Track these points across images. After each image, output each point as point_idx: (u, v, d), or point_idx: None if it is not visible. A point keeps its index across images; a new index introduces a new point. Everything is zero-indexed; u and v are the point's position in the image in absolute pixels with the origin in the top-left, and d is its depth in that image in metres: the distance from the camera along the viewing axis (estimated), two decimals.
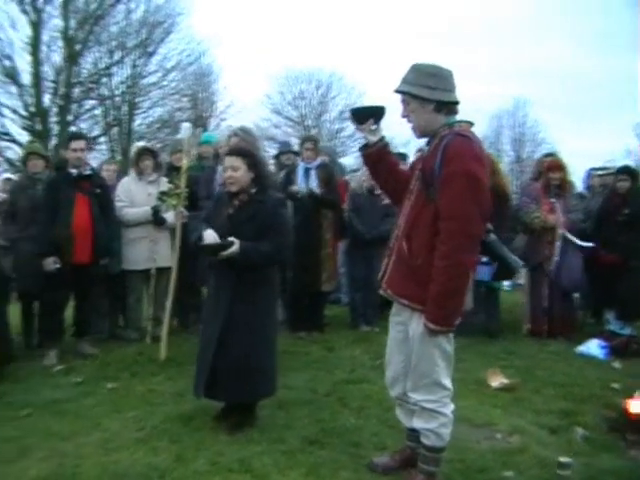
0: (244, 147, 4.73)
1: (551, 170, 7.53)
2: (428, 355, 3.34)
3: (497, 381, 5.51)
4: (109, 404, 5.07)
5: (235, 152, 4.50)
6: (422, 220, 3.31)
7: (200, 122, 30.40)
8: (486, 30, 54.04)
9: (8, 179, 7.35)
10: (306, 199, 7.25)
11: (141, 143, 8.42)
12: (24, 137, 19.49)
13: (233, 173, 4.36)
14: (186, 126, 7.00)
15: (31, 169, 6.97)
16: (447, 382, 3.41)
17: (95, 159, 20.20)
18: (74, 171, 6.43)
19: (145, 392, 5.40)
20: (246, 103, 53.18)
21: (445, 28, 54.04)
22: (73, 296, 6.81)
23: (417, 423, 3.49)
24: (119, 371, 6.03)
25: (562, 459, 3.72)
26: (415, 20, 54.88)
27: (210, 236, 4.30)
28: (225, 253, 4.20)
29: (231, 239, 4.22)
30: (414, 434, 3.61)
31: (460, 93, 3.39)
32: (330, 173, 7.50)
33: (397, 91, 3.44)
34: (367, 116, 3.66)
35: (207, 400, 4.75)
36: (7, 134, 19.70)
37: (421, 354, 3.36)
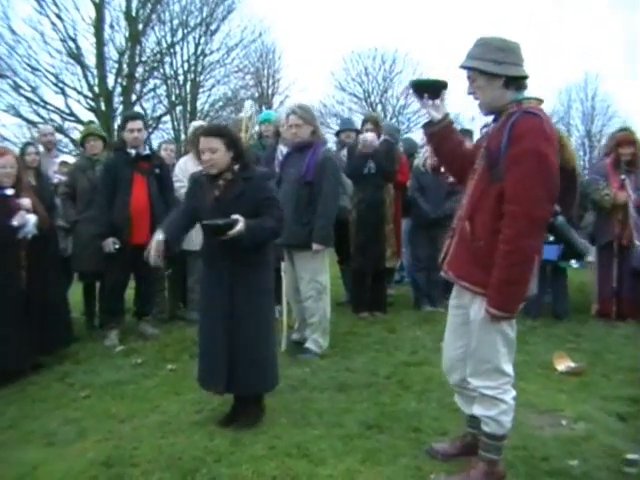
0: (220, 126, 4.47)
1: (621, 145, 7.20)
2: (490, 340, 3.20)
3: (564, 365, 5.31)
4: (168, 386, 5.09)
5: (212, 132, 4.17)
6: (486, 200, 3.16)
7: (263, 100, 30.48)
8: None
9: (64, 162, 7.41)
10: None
11: (199, 122, 8.38)
12: (89, 117, 19.83)
13: (212, 155, 4.08)
14: (248, 104, 6.94)
15: (90, 150, 7.02)
16: (508, 368, 3.26)
17: (159, 139, 20.51)
18: (132, 151, 6.45)
19: None
20: (310, 80, 53.27)
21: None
22: (133, 277, 6.86)
23: (477, 410, 3.36)
24: (179, 352, 6.06)
25: (630, 456, 3.51)
26: None
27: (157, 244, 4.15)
28: (232, 232, 3.94)
29: (235, 217, 3.97)
30: (474, 420, 3.48)
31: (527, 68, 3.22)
32: (390, 147, 7.32)
33: (463, 67, 3.28)
34: (427, 90, 3.51)
35: None
36: (72, 115, 20.05)
37: (482, 339, 3.22)
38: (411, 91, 3.61)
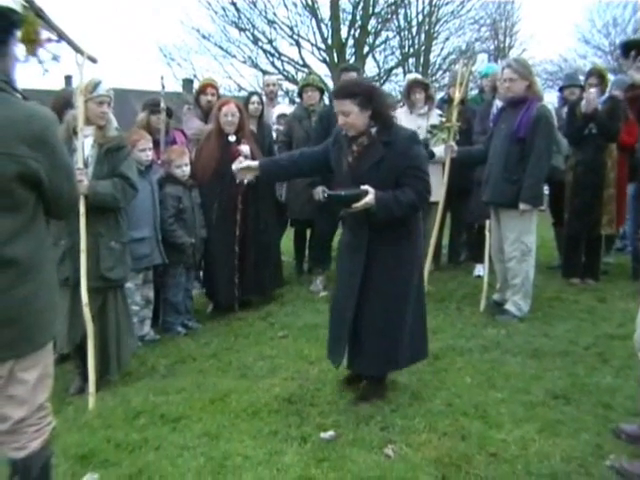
0: (350, 85, 4.00)
1: None
2: None
3: None
4: None
5: (341, 94, 3.77)
6: None
7: (499, 53, 29.41)
8: None
9: (283, 115, 7.68)
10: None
11: (413, 75, 8.30)
12: (322, 69, 20.33)
13: (345, 118, 3.71)
14: (480, 58, 6.75)
15: (307, 101, 7.18)
16: None
17: (392, 91, 20.60)
18: None
19: None
20: (550, 32, 50.54)
21: None
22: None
23: None
24: None
25: None
26: None
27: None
28: (358, 205, 3.63)
29: (365, 188, 3.62)
30: None
31: None
32: (615, 104, 6.75)
33: None
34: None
35: (453, 341, 4.75)
36: (306, 66, 20.59)
37: None
38: (619, 51, 3.30)
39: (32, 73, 3.10)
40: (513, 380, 4.26)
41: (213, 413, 3.85)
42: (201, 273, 6.43)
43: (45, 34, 3.07)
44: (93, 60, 4.08)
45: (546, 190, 7.13)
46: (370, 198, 3.61)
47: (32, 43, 2.87)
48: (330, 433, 3.54)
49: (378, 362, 3.93)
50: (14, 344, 2.35)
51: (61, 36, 3.38)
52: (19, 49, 2.60)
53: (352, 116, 3.70)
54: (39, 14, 3.00)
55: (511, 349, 4.85)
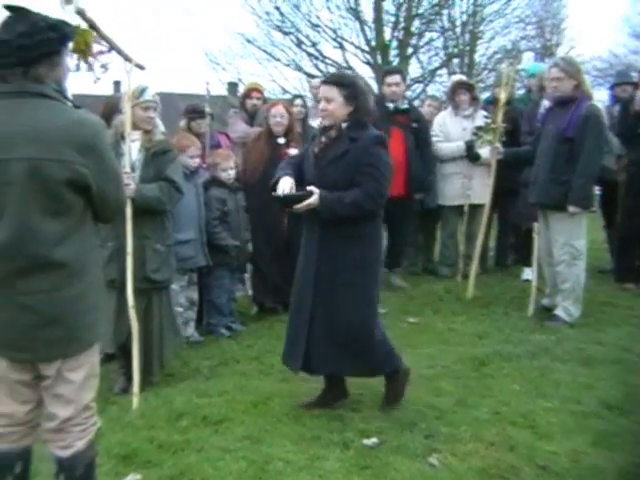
0: (343, 75, 4.09)
1: None
2: None
3: None
4: (405, 338, 5.10)
5: (331, 81, 3.76)
6: None
7: (546, 51, 28.93)
8: None
9: None
10: None
11: (458, 76, 8.22)
12: (366, 71, 20.22)
13: (327, 105, 3.67)
14: (526, 56, 6.66)
15: None
16: None
17: (434, 91, 20.45)
18: (390, 105, 6.52)
19: (444, 330, 5.40)
20: (599, 28, 49.54)
21: None
22: (387, 229, 6.97)
23: None
24: (423, 306, 6.09)
25: None
26: None
27: (286, 183, 3.73)
28: (300, 205, 3.61)
29: (310, 189, 3.61)
30: None
31: None
32: None
33: None
34: None
35: (500, 346, 4.66)
36: (350, 68, 20.46)
37: None
38: None
39: (84, 79, 3.18)
40: (563, 389, 4.14)
41: (255, 416, 3.82)
42: (245, 275, 6.44)
43: (97, 47, 3.15)
44: (141, 67, 4.15)
45: (597, 191, 6.98)
46: (314, 199, 3.60)
47: (83, 53, 2.93)
48: (373, 440, 3.47)
49: (337, 363, 3.77)
50: (61, 344, 2.41)
51: (112, 46, 3.44)
52: (71, 59, 2.67)
53: (334, 104, 3.67)
54: (92, 26, 3.06)
55: (561, 356, 4.72)
